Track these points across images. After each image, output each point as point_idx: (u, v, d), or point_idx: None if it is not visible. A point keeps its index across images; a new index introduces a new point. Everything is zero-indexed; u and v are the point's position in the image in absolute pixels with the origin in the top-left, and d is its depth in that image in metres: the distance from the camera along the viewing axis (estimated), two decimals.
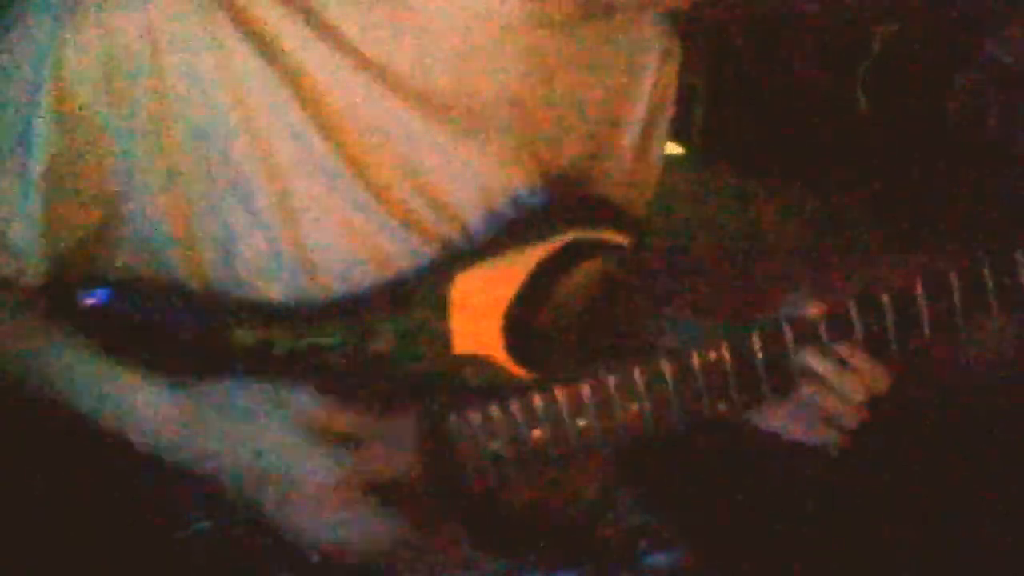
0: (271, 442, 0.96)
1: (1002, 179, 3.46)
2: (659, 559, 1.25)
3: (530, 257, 1.03)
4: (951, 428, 2.40)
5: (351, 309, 1.03)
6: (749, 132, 4.38)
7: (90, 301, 1.04)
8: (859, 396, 1.03)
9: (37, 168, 0.98)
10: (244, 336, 1.02)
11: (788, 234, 3.73)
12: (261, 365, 1.01)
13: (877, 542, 2.05)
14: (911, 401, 2.42)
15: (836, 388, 1.03)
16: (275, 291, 1.02)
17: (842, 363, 1.03)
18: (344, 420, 0.97)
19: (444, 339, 1.03)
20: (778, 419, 1.08)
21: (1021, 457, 2.25)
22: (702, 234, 3.69)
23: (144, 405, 0.99)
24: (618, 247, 1.07)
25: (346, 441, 0.96)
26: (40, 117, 0.96)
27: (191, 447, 0.98)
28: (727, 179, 4.25)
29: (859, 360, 1.03)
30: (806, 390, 1.04)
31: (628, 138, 1.17)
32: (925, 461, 2.28)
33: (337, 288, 1.02)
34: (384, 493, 0.96)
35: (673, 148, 4.51)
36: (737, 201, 4.07)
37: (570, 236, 1.04)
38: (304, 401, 0.97)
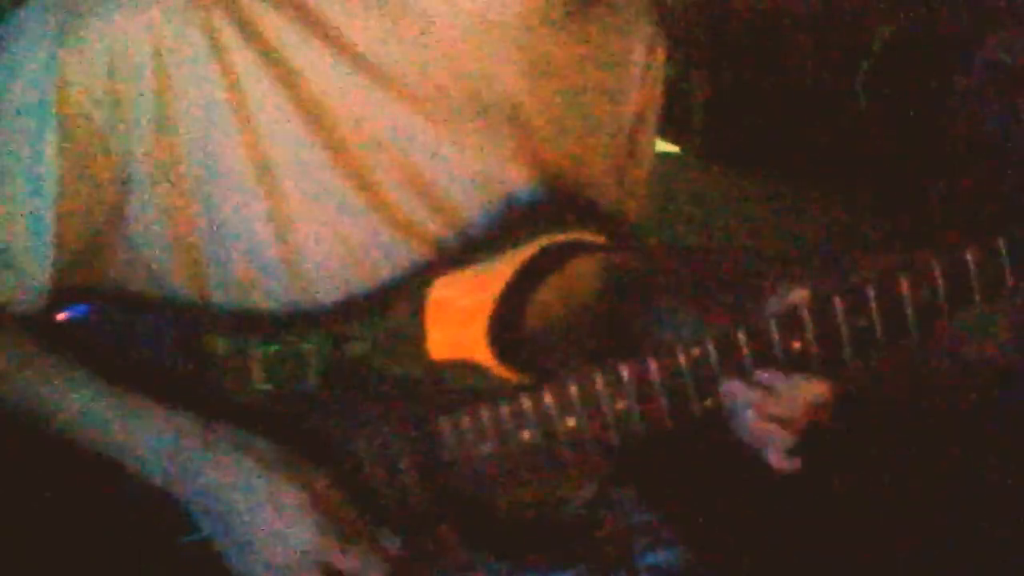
0: (273, 491, 0.96)
1: (1000, 178, 3.47)
2: (657, 558, 1.25)
3: (511, 260, 1.02)
4: (950, 428, 2.41)
5: (329, 314, 1.02)
6: (749, 132, 4.39)
7: (66, 316, 1.04)
8: (786, 413, 1.02)
9: (46, 190, 0.97)
10: (221, 345, 1.01)
11: (788, 234, 3.74)
12: (238, 373, 1.01)
13: (876, 540, 2.05)
14: (911, 401, 2.42)
15: (762, 410, 1.02)
16: (267, 298, 1.01)
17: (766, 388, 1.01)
18: (342, 507, 0.98)
19: (420, 345, 1.03)
20: (735, 428, 1.07)
21: (1020, 457, 2.26)
22: (701, 233, 3.70)
23: (150, 431, 0.99)
24: (600, 247, 1.07)
25: (335, 523, 0.98)
26: (46, 140, 0.95)
27: (189, 476, 0.98)
28: (727, 179, 4.25)
29: (781, 382, 1.01)
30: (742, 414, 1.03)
31: (620, 134, 1.17)
32: (924, 460, 2.28)
33: (328, 294, 1.01)
34: None
35: (673, 148, 4.52)
36: (737, 201, 4.08)
37: (550, 238, 1.03)
38: (317, 475, 0.98)
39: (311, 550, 0.96)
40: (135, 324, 1.04)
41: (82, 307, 1.04)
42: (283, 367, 1.01)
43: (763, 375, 1.00)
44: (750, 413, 1.01)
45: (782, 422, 1.00)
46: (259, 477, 0.97)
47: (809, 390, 1.00)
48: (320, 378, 1.02)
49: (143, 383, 1.01)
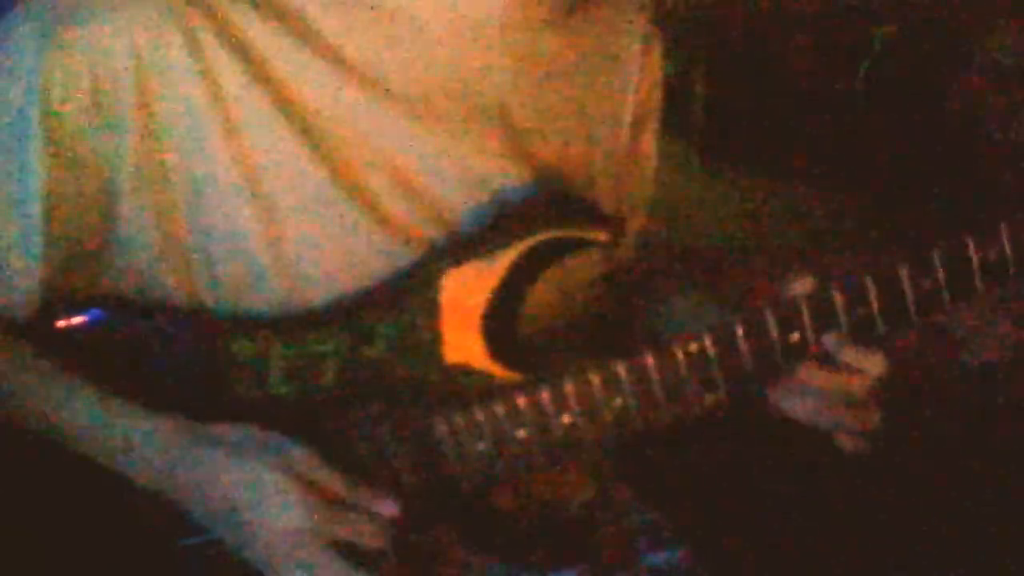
0: (252, 478, 0.96)
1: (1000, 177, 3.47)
2: (657, 558, 1.25)
3: (503, 259, 1.02)
4: (951, 428, 2.41)
5: (346, 315, 1.02)
6: (749, 131, 4.38)
7: (80, 320, 1.04)
8: (854, 394, 1.02)
9: (34, 195, 0.97)
10: (242, 348, 1.01)
11: (788, 233, 3.74)
12: (260, 377, 1.01)
13: (876, 540, 2.05)
14: (911, 399, 2.42)
15: (832, 395, 1.02)
16: (261, 302, 1.01)
17: (829, 365, 1.01)
18: (329, 478, 0.98)
19: (436, 345, 1.02)
20: (797, 411, 1.07)
21: (1021, 457, 2.26)
22: (701, 232, 3.69)
23: (136, 433, 0.99)
24: (595, 244, 1.06)
25: (325, 497, 0.97)
26: (32, 146, 0.95)
27: (177, 475, 0.98)
28: (727, 178, 4.25)
29: (846, 354, 1.01)
30: (809, 402, 1.03)
31: (618, 135, 1.17)
32: (925, 460, 2.28)
33: (321, 297, 1.01)
34: (351, 551, 0.97)
35: (674, 146, 4.52)
36: (737, 200, 4.07)
37: (542, 236, 1.03)
38: (294, 451, 0.97)
39: (304, 527, 0.95)
40: (152, 328, 1.04)
41: (95, 311, 1.04)
42: (302, 369, 1.01)
43: (828, 339, 1.00)
44: (813, 397, 1.01)
45: (848, 401, 1.01)
46: (235, 467, 0.97)
47: (866, 362, 1.00)
48: (336, 379, 1.02)
49: (159, 386, 1.01)
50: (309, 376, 1.01)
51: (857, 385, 1.01)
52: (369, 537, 0.97)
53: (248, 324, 1.02)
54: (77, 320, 1.04)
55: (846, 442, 1.04)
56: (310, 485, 0.96)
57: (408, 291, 1.02)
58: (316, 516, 0.95)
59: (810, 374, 1.02)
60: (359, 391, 1.02)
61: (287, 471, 0.96)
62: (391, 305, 1.02)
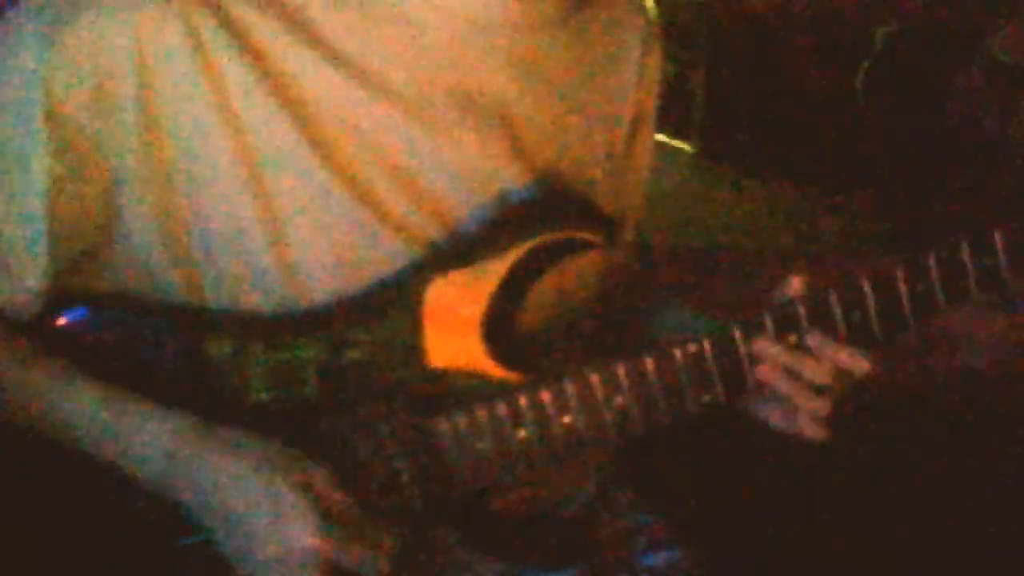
0: (272, 492, 0.95)
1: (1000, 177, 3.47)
2: (657, 559, 1.25)
3: (502, 263, 1.02)
4: (951, 427, 2.41)
5: (328, 319, 1.02)
6: (749, 132, 4.39)
7: (64, 320, 1.03)
8: (821, 380, 1.01)
9: (37, 194, 0.97)
10: (218, 348, 1.01)
11: (787, 233, 3.74)
12: (238, 379, 1.01)
13: (876, 540, 2.05)
14: (911, 400, 2.42)
15: (794, 373, 1.02)
16: (262, 300, 1.01)
17: (799, 348, 1.01)
18: (344, 504, 0.98)
19: (419, 354, 1.02)
20: (760, 409, 1.08)
21: (1021, 457, 2.26)
22: (701, 233, 3.70)
23: (143, 431, 0.99)
24: (596, 246, 1.07)
25: (338, 523, 0.97)
26: (35, 144, 0.95)
27: (187, 470, 0.98)
28: (727, 179, 4.25)
29: (828, 349, 1.01)
30: (770, 379, 1.03)
31: (617, 135, 1.17)
32: (925, 460, 2.28)
33: (323, 296, 1.01)
34: None
35: (674, 146, 4.52)
36: (737, 201, 4.08)
37: (542, 238, 1.03)
38: (317, 471, 0.97)
39: (310, 548, 0.95)
40: (135, 328, 1.04)
41: (80, 311, 1.04)
42: (282, 376, 1.01)
43: (815, 338, 1.00)
44: (782, 381, 1.01)
45: (817, 389, 1.01)
46: (256, 477, 0.96)
47: (846, 359, 1.00)
48: (319, 384, 1.01)
49: (142, 388, 1.01)
50: (291, 382, 1.01)
51: (813, 368, 1.02)
52: (371, 568, 0.97)
53: (225, 325, 1.02)
54: (61, 320, 1.04)
55: (807, 428, 1.04)
56: (328, 508, 0.96)
57: (388, 302, 1.02)
58: (322, 538, 0.95)
59: (766, 350, 1.02)
60: (343, 396, 1.02)
61: (308, 490, 0.96)
62: (371, 315, 1.02)
